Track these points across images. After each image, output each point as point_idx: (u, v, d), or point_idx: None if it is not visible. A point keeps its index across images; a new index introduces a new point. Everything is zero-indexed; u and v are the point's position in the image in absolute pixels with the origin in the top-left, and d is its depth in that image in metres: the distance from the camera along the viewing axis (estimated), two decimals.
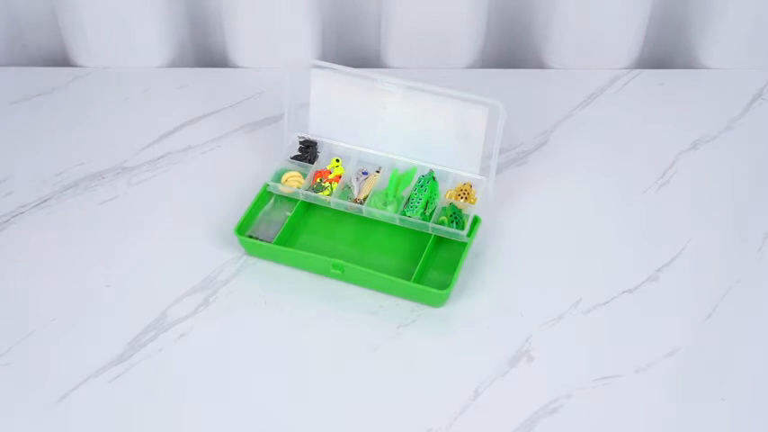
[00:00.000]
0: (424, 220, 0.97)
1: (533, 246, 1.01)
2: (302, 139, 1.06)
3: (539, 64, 1.29)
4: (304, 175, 1.03)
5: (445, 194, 1.01)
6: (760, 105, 1.20)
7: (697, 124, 1.17)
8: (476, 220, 0.98)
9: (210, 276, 0.96)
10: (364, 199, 1.00)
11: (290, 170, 1.04)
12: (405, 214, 0.98)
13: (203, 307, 0.93)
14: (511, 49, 1.32)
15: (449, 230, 0.96)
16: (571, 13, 1.23)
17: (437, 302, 0.93)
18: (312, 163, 1.05)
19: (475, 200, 0.99)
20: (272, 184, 1.01)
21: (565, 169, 1.10)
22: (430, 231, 0.97)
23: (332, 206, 1.00)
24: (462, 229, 0.96)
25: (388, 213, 0.98)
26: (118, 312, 0.92)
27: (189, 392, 0.86)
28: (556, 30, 1.25)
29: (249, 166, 1.08)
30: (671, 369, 0.88)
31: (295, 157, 1.05)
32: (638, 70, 1.26)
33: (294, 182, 1.02)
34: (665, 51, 1.31)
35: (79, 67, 1.25)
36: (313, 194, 1.00)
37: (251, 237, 0.98)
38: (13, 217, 1.02)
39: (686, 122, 1.17)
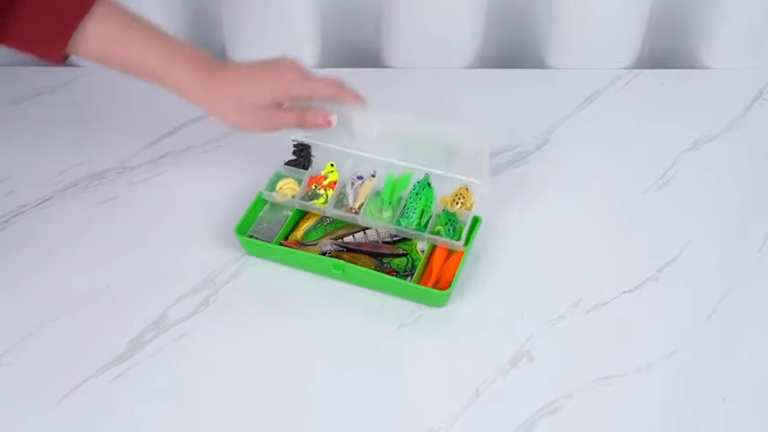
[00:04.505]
0: (419, 230, 0.96)
1: (533, 246, 1.01)
2: (296, 143, 1.05)
3: (539, 64, 1.29)
4: (299, 182, 1.02)
5: (440, 200, 0.99)
6: (760, 105, 1.20)
7: (697, 124, 1.17)
8: (476, 221, 0.98)
9: (211, 276, 0.96)
10: (360, 207, 0.99)
11: (285, 176, 1.03)
12: (400, 224, 0.97)
13: (204, 307, 0.93)
14: (511, 49, 1.32)
15: (445, 241, 0.95)
16: (571, 14, 1.22)
17: (438, 303, 0.93)
18: (306, 168, 1.03)
19: (471, 205, 0.98)
20: (266, 192, 1.00)
21: (565, 169, 1.10)
22: (426, 241, 0.97)
23: (327, 214, 1.00)
24: (459, 238, 0.95)
25: (384, 224, 0.97)
26: (118, 312, 0.92)
27: (189, 392, 0.86)
28: (556, 30, 1.25)
29: (249, 165, 1.08)
30: (671, 369, 0.88)
31: (289, 162, 1.04)
32: (638, 70, 1.26)
33: (289, 189, 1.01)
34: (665, 51, 1.31)
35: (79, 67, 1.24)
36: (308, 204, 0.99)
37: (251, 237, 0.98)
38: (13, 216, 1.02)
39: (687, 122, 1.17)
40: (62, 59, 0.87)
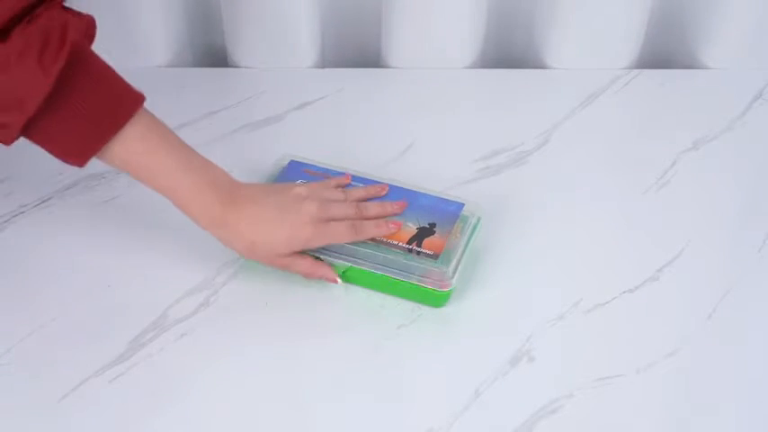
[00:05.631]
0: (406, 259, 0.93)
1: (533, 246, 1.01)
2: None
3: (539, 64, 1.29)
4: None
5: None
6: (760, 106, 1.20)
7: (697, 124, 1.17)
8: (476, 221, 0.98)
9: (211, 276, 0.96)
10: None
11: None
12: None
13: (204, 307, 0.93)
14: (511, 50, 1.32)
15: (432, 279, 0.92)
16: (571, 14, 1.23)
17: (438, 303, 0.93)
18: None
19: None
20: None
21: (565, 169, 1.10)
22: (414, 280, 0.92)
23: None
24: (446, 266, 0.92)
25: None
26: (118, 312, 0.92)
27: (190, 392, 0.86)
28: (556, 30, 1.25)
29: (249, 166, 1.08)
30: (672, 369, 0.88)
31: None
32: (638, 70, 1.26)
33: None
34: (665, 51, 1.31)
35: None
36: None
37: None
38: (13, 217, 1.02)
39: (686, 123, 1.17)
40: (84, 164, 0.85)
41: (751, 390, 0.87)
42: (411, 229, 0.95)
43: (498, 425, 0.83)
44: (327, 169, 1.01)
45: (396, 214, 0.96)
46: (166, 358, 0.88)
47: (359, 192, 0.98)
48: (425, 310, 0.93)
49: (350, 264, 0.93)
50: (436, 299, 0.92)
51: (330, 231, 0.91)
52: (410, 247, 0.93)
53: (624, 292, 0.95)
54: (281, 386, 0.87)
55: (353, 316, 0.93)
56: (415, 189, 1.00)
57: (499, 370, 0.88)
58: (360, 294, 0.95)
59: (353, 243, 0.93)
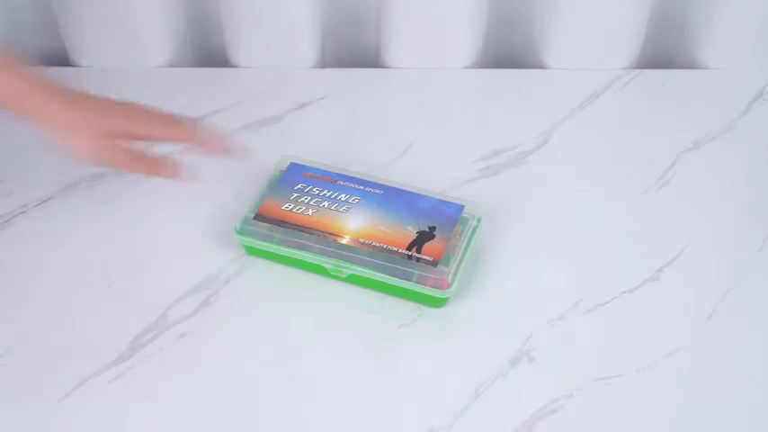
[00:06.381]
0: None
1: (533, 246, 1.01)
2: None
3: (539, 64, 1.29)
4: None
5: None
6: (760, 105, 1.20)
7: (697, 124, 1.17)
8: (476, 221, 0.98)
9: (211, 276, 0.96)
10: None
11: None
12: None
13: (204, 307, 0.93)
14: (511, 50, 1.32)
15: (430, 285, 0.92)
16: (571, 14, 1.22)
17: (438, 303, 0.93)
18: None
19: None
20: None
21: (565, 169, 1.10)
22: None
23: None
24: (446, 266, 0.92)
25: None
26: (118, 312, 0.92)
27: (190, 392, 0.86)
28: (556, 30, 1.25)
29: (249, 165, 1.08)
30: (672, 369, 0.88)
31: None
32: (638, 70, 1.26)
33: None
34: (665, 51, 1.31)
35: (78, 67, 1.24)
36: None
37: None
38: (13, 216, 1.02)
39: (687, 122, 1.17)
40: None
41: (751, 390, 0.88)
42: (411, 233, 0.95)
43: (498, 425, 0.83)
44: (328, 171, 1.01)
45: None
46: (166, 358, 0.88)
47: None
48: (426, 310, 0.93)
49: (350, 271, 0.93)
50: (436, 302, 0.92)
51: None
52: (410, 253, 0.93)
53: (624, 292, 0.95)
54: (280, 386, 0.87)
55: (353, 316, 0.93)
56: (414, 191, 1.00)
57: (499, 370, 0.88)
58: (360, 294, 0.95)
59: (353, 250, 0.93)
